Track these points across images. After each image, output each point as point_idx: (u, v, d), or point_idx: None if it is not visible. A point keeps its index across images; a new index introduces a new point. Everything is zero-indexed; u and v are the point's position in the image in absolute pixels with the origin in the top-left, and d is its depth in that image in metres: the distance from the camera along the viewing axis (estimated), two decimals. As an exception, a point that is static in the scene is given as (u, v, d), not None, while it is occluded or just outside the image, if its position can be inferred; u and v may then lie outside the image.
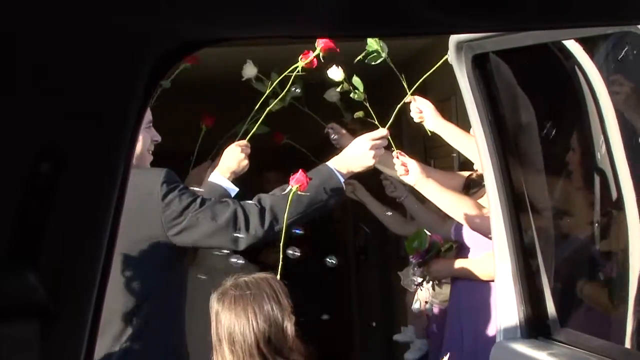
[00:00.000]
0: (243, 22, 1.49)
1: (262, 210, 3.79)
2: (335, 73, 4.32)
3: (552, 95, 3.30)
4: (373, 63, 4.24)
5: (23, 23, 1.43)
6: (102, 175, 1.58)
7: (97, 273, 1.60)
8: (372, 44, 4.20)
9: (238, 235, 3.77)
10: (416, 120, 4.61)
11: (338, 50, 4.04)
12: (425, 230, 5.50)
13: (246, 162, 4.29)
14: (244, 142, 4.32)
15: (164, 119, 4.07)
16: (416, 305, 5.83)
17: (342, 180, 3.96)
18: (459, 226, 5.11)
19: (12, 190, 1.51)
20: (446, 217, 5.50)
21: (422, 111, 4.61)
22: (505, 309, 3.20)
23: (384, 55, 4.20)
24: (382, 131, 4.13)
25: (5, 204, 1.51)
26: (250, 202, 3.85)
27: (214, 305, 3.36)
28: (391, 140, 4.30)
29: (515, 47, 3.02)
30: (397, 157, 4.48)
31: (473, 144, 4.41)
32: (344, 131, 5.16)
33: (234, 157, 4.26)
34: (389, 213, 5.79)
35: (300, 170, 3.77)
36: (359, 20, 1.48)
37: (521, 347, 3.10)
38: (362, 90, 4.29)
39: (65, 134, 1.53)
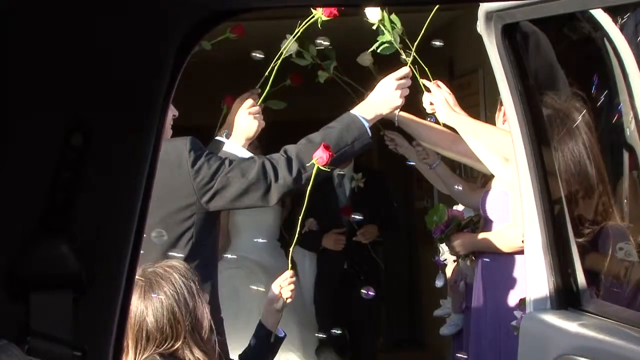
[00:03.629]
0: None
1: (288, 160, 3.82)
2: (373, 13, 4.22)
3: (580, 66, 3.28)
4: (387, 53, 4.23)
5: (53, 4, 1.44)
6: (133, 148, 1.59)
7: (129, 245, 1.61)
8: (386, 34, 4.19)
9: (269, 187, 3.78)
10: (428, 111, 4.51)
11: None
12: (455, 199, 5.51)
13: (258, 124, 4.24)
14: (256, 107, 4.26)
15: (186, 94, 4.06)
16: (439, 282, 5.84)
17: (367, 124, 3.96)
18: (485, 198, 5.11)
19: (44, 162, 1.52)
20: (476, 188, 5.51)
21: (433, 103, 4.47)
22: (535, 280, 3.20)
23: (397, 46, 4.19)
24: (405, 69, 4.13)
25: (38, 177, 1.52)
26: (276, 154, 3.88)
27: None
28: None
29: (545, 17, 3.00)
30: (439, 87, 4.44)
31: (490, 138, 4.36)
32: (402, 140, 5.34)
33: (246, 124, 4.24)
34: (459, 187, 5.68)
35: (322, 145, 3.76)
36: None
37: (551, 318, 3.10)
38: (400, 27, 4.25)
39: (97, 106, 1.54)
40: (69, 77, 1.51)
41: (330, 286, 7.33)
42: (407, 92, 4.10)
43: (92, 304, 1.59)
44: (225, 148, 4.19)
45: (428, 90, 4.44)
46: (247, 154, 4.13)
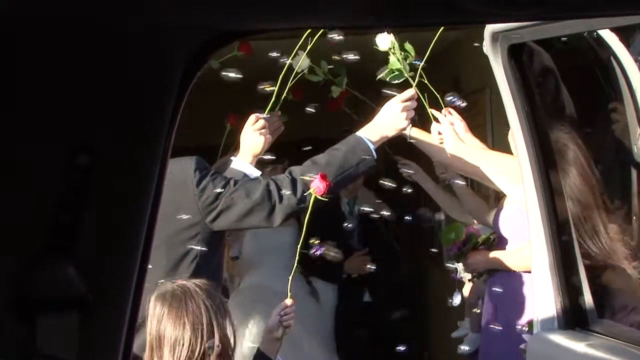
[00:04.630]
0: (276, 13, 1.49)
1: (293, 181, 3.83)
2: (383, 41, 4.23)
3: (587, 85, 3.28)
4: (396, 81, 4.24)
5: (59, 25, 1.44)
6: (140, 168, 1.59)
7: (135, 265, 1.61)
8: (395, 62, 4.19)
9: (273, 208, 3.78)
10: (437, 142, 4.48)
11: None
12: (470, 217, 5.48)
13: (265, 140, 4.25)
14: (260, 122, 4.28)
15: (189, 114, 4.05)
16: (456, 299, 5.81)
17: (372, 147, 3.97)
18: (498, 215, 5.09)
19: (50, 184, 1.52)
20: (491, 205, 5.49)
21: (442, 133, 4.42)
22: (543, 300, 3.19)
23: (406, 74, 4.20)
24: (410, 91, 4.13)
25: (44, 198, 1.52)
26: (281, 175, 3.89)
27: (158, 304, 3.23)
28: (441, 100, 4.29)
29: (551, 37, 3.00)
30: (445, 116, 4.42)
31: (499, 165, 4.33)
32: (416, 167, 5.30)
33: (253, 141, 4.26)
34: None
35: (319, 175, 3.77)
36: (391, 10, 1.47)
37: (559, 338, 3.09)
38: (413, 55, 4.25)
39: (103, 126, 1.54)
40: (75, 98, 1.51)
41: (352, 317, 7.20)
42: (412, 114, 4.11)
43: (98, 325, 1.58)
44: (232, 165, 4.20)
45: (437, 120, 4.42)
46: (255, 171, 4.15)
